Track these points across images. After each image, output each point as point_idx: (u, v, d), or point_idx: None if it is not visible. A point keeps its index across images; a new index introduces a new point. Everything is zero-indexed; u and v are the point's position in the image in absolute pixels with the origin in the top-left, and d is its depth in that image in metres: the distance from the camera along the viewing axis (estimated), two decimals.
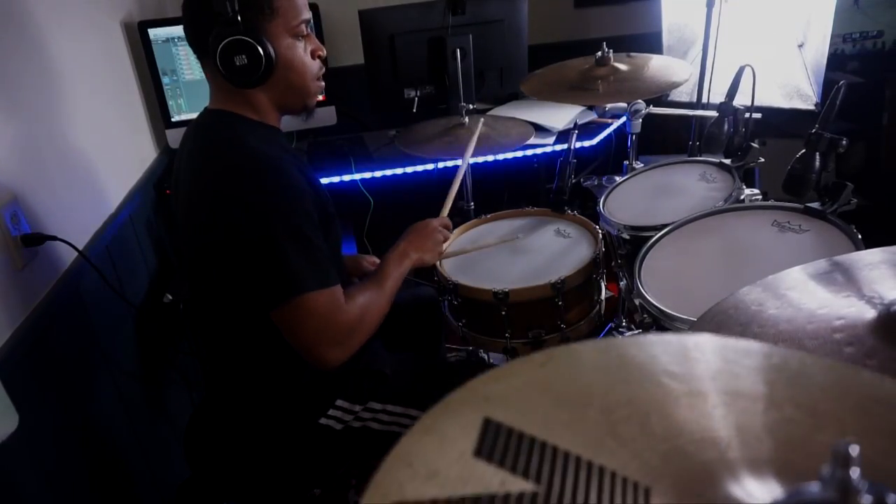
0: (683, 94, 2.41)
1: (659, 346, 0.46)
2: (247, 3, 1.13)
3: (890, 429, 0.40)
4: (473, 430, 0.39)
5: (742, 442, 0.39)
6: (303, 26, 1.19)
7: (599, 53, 1.75)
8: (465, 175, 2.09)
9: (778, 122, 2.19)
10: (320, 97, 1.29)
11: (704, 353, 0.46)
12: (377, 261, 1.60)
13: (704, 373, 0.44)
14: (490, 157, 2.29)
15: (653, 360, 0.45)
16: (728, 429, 0.40)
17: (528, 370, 0.44)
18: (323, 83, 1.27)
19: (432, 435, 0.40)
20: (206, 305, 1.27)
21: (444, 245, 1.47)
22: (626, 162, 1.98)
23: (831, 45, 2.07)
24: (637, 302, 1.24)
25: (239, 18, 1.12)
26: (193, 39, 1.19)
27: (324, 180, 1.56)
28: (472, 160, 2.13)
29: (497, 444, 0.39)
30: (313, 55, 1.23)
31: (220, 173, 1.12)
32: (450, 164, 2.25)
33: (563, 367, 0.45)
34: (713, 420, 0.40)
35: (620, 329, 2.00)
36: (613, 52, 1.76)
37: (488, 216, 1.82)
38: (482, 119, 1.85)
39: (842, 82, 1.21)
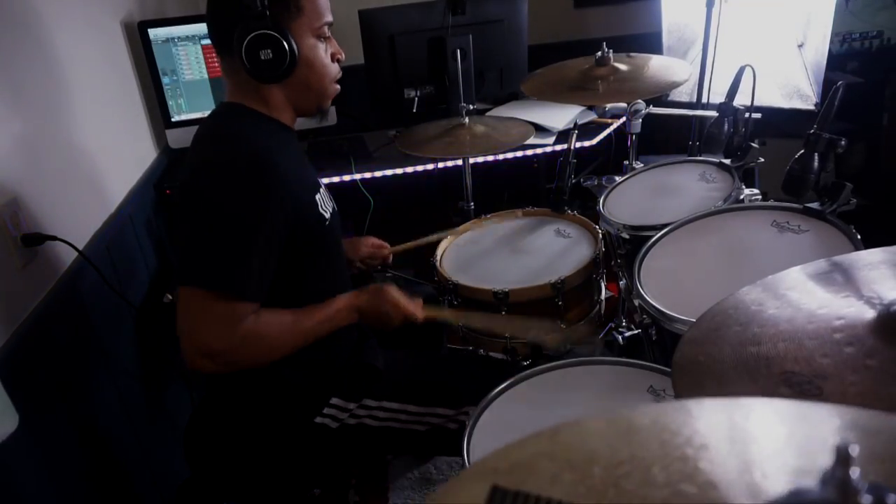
0: (683, 94, 2.41)
1: (661, 410, 0.49)
2: (274, 0, 1.15)
3: (892, 456, 0.41)
4: (482, 498, 0.41)
5: (746, 480, 0.40)
6: (325, 28, 1.22)
7: (599, 53, 1.75)
8: (465, 175, 2.10)
9: (778, 122, 2.19)
10: None
11: (704, 411, 0.48)
12: (377, 242, 1.62)
13: (705, 427, 0.46)
14: (490, 157, 2.29)
15: (655, 423, 0.47)
16: (730, 472, 0.41)
17: (535, 443, 0.46)
18: (339, 87, 1.28)
19: None
20: None
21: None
22: (626, 162, 1.98)
23: (830, 43, 2.07)
24: (636, 302, 1.24)
25: (267, 13, 1.14)
26: (216, 33, 1.20)
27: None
28: (472, 160, 2.13)
29: None
30: (333, 58, 1.26)
31: (207, 158, 1.15)
32: (450, 164, 2.25)
33: (570, 437, 0.47)
34: (715, 465, 0.42)
35: (620, 329, 1.99)
36: (613, 52, 1.76)
37: (488, 216, 1.82)
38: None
39: (840, 83, 1.21)
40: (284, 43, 1.14)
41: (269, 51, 1.14)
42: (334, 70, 1.26)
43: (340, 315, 1.23)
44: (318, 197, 1.27)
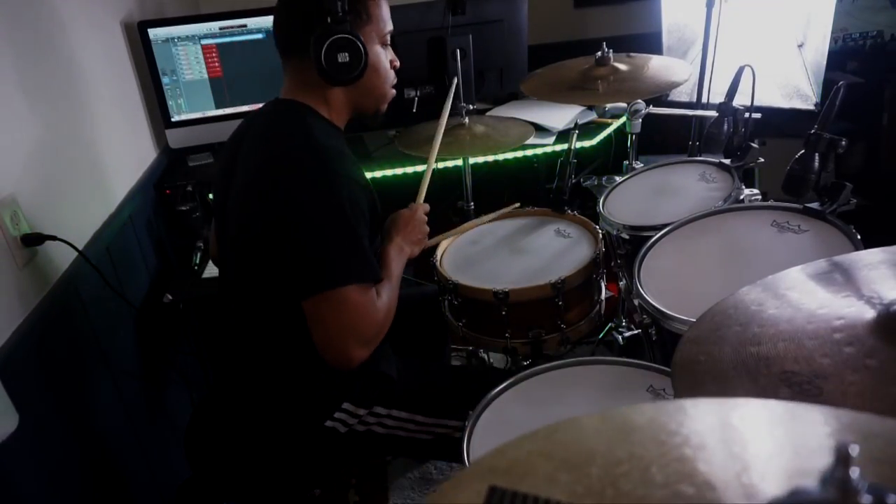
0: (683, 94, 2.41)
1: (657, 410, 0.48)
2: (350, 7, 1.18)
3: (889, 459, 0.41)
4: (480, 499, 0.41)
5: (744, 481, 0.40)
6: (388, 36, 1.29)
7: (599, 53, 1.75)
8: (465, 175, 2.10)
9: (778, 122, 2.19)
10: None
11: (702, 411, 0.48)
12: None
13: (703, 428, 0.46)
14: (490, 157, 2.29)
15: (652, 421, 0.47)
16: (728, 471, 0.41)
17: (532, 442, 0.46)
18: (395, 91, 1.34)
19: None
20: (237, 299, 1.28)
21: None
22: (626, 162, 1.98)
23: (830, 43, 2.07)
24: (637, 302, 1.24)
25: (347, 19, 1.18)
26: (288, 33, 1.23)
27: None
28: (472, 160, 2.13)
29: None
30: (391, 65, 1.32)
31: (289, 158, 1.16)
32: (450, 164, 2.25)
33: (566, 435, 0.47)
34: (713, 465, 0.42)
35: (620, 329, 2.00)
36: (613, 52, 1.76)
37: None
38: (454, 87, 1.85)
39: (841, 83, 1.21)
40: (361, 48, 1.19)
41: (346, 54, 1.18)
42: (392, 76, 1.32)
43: (402, 258, 1.34)
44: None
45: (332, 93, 1.26)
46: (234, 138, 1.32)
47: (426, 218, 1.44)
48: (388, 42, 1.30)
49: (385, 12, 1.27)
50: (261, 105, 1.33)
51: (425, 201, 1.49)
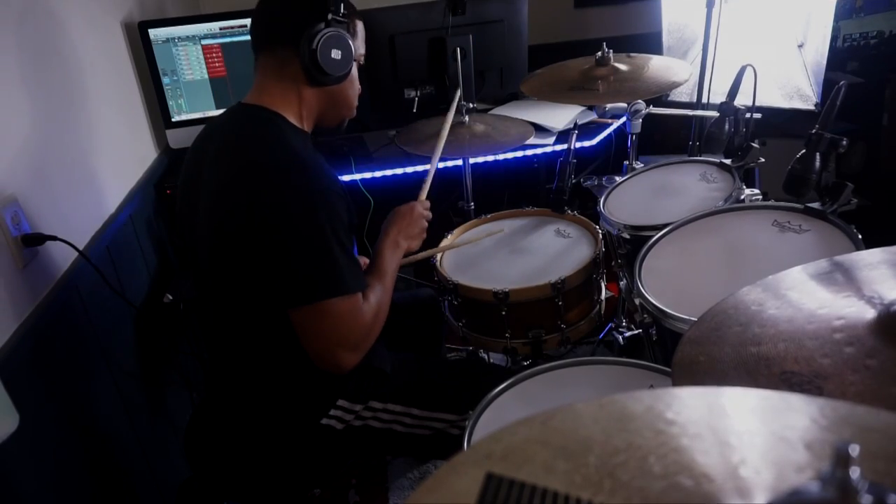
0: (683, 94, 2.41)
1: (655, 398, 0.48)
2: (345, 14, 1.20)
3: (886, 454, 0.41)
4: (476, 485, 0.41)
5: (742, 473, 0.40)
6: (362, 58, 1.29)
7: (599, 53, 1.76)
8: (465, 175, 2.10)
9: (778, 122, 2.19)
10: None
11: (698, 400, 0.48)
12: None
13: (700, 418, 0.45)
14: (490, 157, 2.29)
15: (649, 410, 0.46)
16: (726, 463, 0.41)
17: (528, 428, 0.46)
18: (355, 113, 1.34)
19: (438, 493, 0.42)
20: (217, 302, 1.26)
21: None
22: (626, 162, 1.98)
23: (830, 43, 2.07)
24: (637, 302, 1.24)
25: (346, 21, 1.20)
26: (279, 21, 1.20)
27: None
28: (472, 160, 2.13)
29: (499, 495, 0.40)
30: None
31: (264, 167, 1.13)
32: (450, 164, 2.25)
33: (563, 422, 0.46)
34: (711, 456, 0.41)
35: (620, 329, 2.00)
36: (613, 52, 1.76)
37: (488, 216, 1.82)
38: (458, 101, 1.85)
39: (842, 83, 1.21)
40: (352, 50, 1.20)
41: (339, 52, 1.19)
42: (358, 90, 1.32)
43: (397, 254, 1.32)
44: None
45: (305, 94, 1.22)
46: (197, 144, 1.28)
47: (426, 213, 1.42)
48: (361, 62, 1.29)
49: (363, 37, 1.28)
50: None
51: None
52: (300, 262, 1.10)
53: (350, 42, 1.20)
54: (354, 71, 1.27)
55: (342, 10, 1.19)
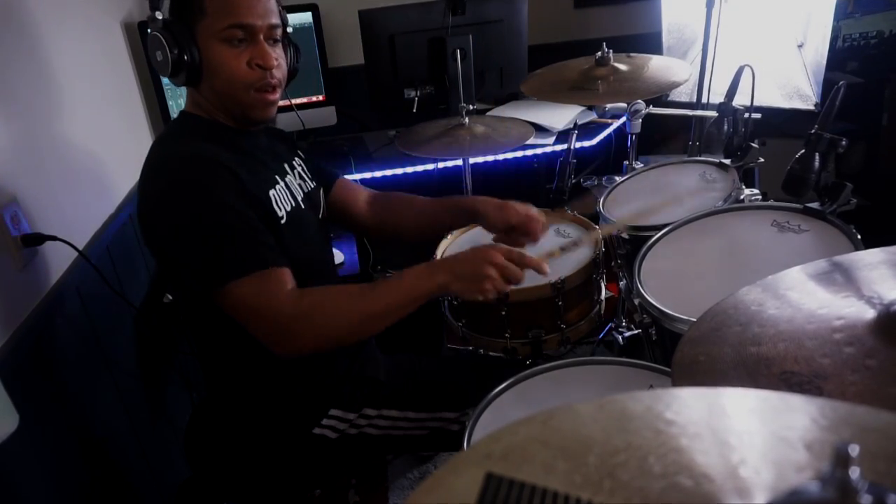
0: (683, 94, 2.41)
1: (654, 399, 0.48)
2: (177, 1, 1.12)
3: (886, 454, 0.41)
4: (476, 485, 0.41)
5: (741, 473, 0.40)
6: (236, 31, 1.10)
7: (599, 53, 1.75)
8: (465, 175, 2.10)
9: (777, 122, 2.19)
10: (269, 105, 1.18)
11: (698, 400, 0.48)
12: (530, 212, 1.33)
13: (700, 418, 0.45)
14: (490, 158, 2.29)
15: (649, 410, 0.46)
16: (726, 463, 0.41)
17: (528, 428, 0.46)
18: (270, 97, 1.16)
19: (438, 493, 0.42)
20: (186, 309, 1.25)
21: (496, 286, 1.08)
22: (626, 162, 1.98)
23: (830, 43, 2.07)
24: (637, 302, 1.24)
25: (164, 15, 1.12)
26: None
27: None
28: (472, 161, 2.14)
29: (499, 495, 0.40)
30: (250, 64, 1.12)
31: (145, 174, 1.15)
32: (450, 164, 2.25)
33: (562, 422, 0.46)
34: (711, 456, 0.41)
35: (620, 329, 2.00)
36: (613, 52, 1.76)
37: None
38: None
39: (841, 83, 1.21)
40: (176, 47, 1.09)
41: (159, 52, 1.10)
42: (251, 77, 1.12)
43: (415, 279, 1.09)
44: (271, 193, 1.18)
45: (196, 94, 1.18)
46: None
47: (502, 262, 1.08)
48: (239, 36, 1.10)
49: (229, 4, 1.09)
50: None
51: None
52: (189, 251, 1.08)
53: (165, 42, 1.08)
54: (219, 58, 1.10)
55: (153, 5, 1.09)
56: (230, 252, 1.06)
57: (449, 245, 1.72)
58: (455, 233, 1.76)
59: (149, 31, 1.12)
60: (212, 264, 1.07)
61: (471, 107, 1.98)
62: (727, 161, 1.59)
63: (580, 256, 1.56)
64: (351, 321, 1.09)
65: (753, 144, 1.53)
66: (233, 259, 1.06)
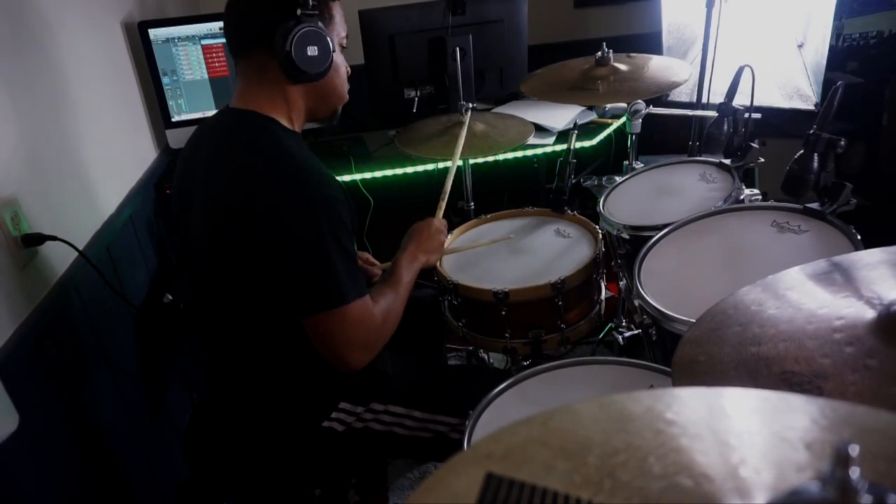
0: (683, 94, 2.41)
1: (654, 399, 0.48)
2: (313, 5, 1.16)
3: (886, 454, 0.41)
4: (476, 485, 0.41)
5: (741, 473, 0.40)
6: (345, 39, 1.26)
7: (599, 53, 1.76)
8: (465, 175, 2.10)
9: (777, 122, 2.19)
10: None
11: (698, 400, 0.48)
12: (369, 258, 1.63)
13: (700, 418, 0.45)
14: (490, 158, 2.29)
15: (649, 410, 0.46)
16: (726, 463, 0.41)
17: (528, 428, 0.46)
18: (348, 97, 1.32)
19: (438, 493, 0.42)
20: (217, 304, 1.26)
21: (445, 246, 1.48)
22: (626, 162, 1.98)
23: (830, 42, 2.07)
24: (636, 302, 1.24)
25: (317, 13, 1.15)
26: (249, 24, 1.17)
27: None
28: (472, 161, 2.13)
29: (499, 495, 0.40)
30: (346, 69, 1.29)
31: (261, 174, 1.10)
32: (450, 164, 2.25)
33: (562, 422, 0.46)
34: (711, 456, 0.41)
35: (620, 329, 2.00)
36: (613, 52, 1.76)
37: (488, 216, 1.82)
38: (469, 114, 1.85)
39: (839, 83, 1.21)
40: (330, 43, 1.16)
41: (315, 48, 1.15)
42: (347, 81, 1.30)
43: (413, 266, 1.35)
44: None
45: (291, 93, 1.20)
46: (192, 144, 1.27)
47: (443, 228, 1.46)
48: (345, 45, 1.27)
49: (342, 17, 1.25)
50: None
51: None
52: (302, 274, 1.10)
53: (325, 35, 1.15)
54: (339, 58, 1.23)
55: (311, 1, 1.13)
56: (348, 274, 1.12)
57: (449, 245, 1.72)
58: (455, 232, 1.76)
59: (293, 26, 1.12)
60: (331, 284, 1.10)
61: (471, 105, 1.98)
62: (727, 161, 1.59)
63: (580, 256, 1.56)
64: (396, 324, 1.26)
65: (753, 144, 1.53)
66: (350, 281, 1.12)
